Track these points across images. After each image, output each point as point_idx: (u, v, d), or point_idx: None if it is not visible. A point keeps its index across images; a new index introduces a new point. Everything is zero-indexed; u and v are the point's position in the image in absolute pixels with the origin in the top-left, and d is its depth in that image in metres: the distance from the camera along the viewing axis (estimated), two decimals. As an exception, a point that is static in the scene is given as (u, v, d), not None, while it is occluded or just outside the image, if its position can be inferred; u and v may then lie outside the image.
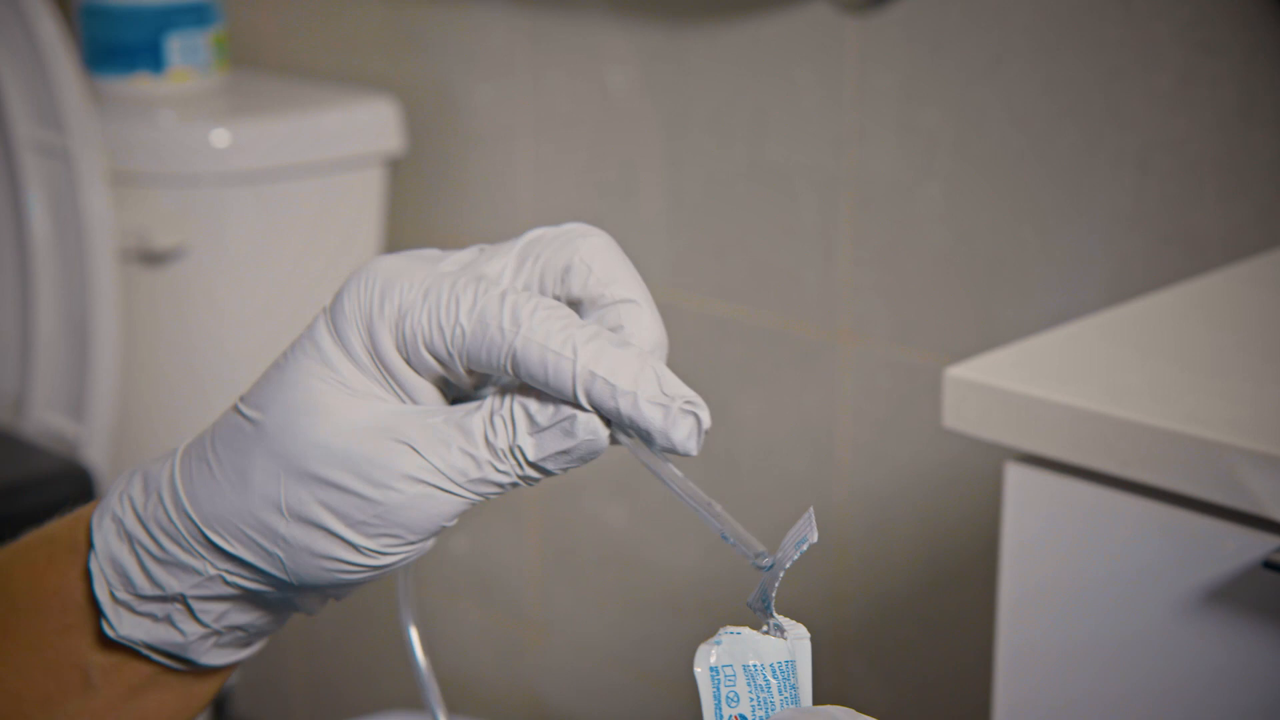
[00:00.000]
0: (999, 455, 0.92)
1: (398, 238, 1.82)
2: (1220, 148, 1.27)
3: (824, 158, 1.49)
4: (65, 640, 0.55)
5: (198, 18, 1.74)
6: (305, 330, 0.54)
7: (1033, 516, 0.90)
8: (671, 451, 0.51)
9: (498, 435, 0.52)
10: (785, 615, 0.51)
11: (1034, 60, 1.35)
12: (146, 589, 0.54)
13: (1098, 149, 1.33)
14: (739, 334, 1.58)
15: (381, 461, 0.51)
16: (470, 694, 1.88)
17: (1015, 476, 0.90)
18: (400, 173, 1.80)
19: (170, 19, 1.72)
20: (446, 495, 0.52)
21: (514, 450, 0.52)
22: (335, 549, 0.52)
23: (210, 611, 0.54)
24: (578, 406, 0.51)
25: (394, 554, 0.52)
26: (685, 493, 0.52)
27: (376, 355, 0.53)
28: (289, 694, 2.07)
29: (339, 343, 0.54)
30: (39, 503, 1.57)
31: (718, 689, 0.50)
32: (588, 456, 0.53)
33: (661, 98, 1.59)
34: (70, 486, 1.58)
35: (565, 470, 0.53)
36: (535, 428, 0.52)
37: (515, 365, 0.51)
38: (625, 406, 0.51)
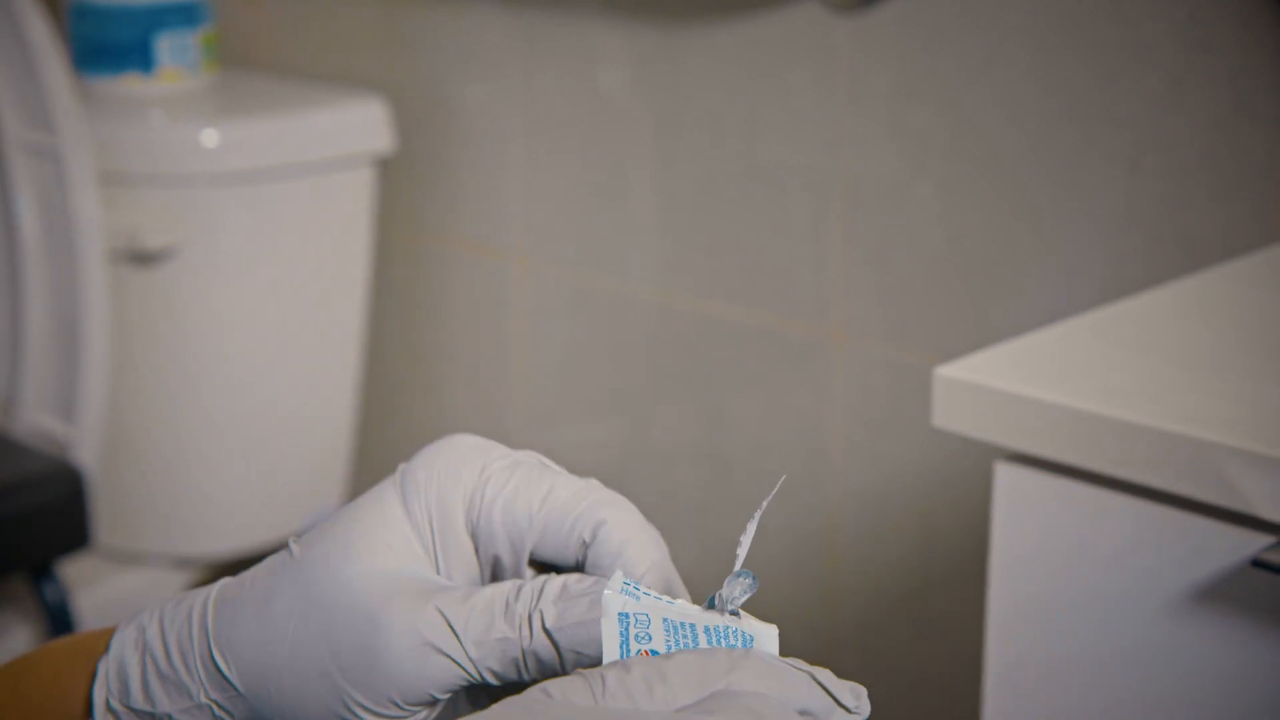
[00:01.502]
0: (990, 454, 0.92)
1: (388, 237, 1.82)
2: (1213, 147, 1.27)
3: (816, 158, 1.48)
4: None
5: (187, 18, 1.73)
6: (373, 488, 0.54)
7: (1022, 516, 0.90)
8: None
9: (520, 600, 0.50)
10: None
11: (1027, 60, 1.34)
12: (138, 701, 0.53)
13: (1091, 149, 1.33)
14: (732, 334, 1.58)
15: (394, 609, 0.51)
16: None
17: (1005, 476, 0.90)
18: (391, 173, 1.79)
19: (159, 19, 1.71)
20: (447, 660, 0.50)
21: (532, 617, 0.50)
22: (325, 694, 0.51)
23: None
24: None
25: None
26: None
27: (438, 519, 0.53)
28: None
29: (403, 503, 0.54)
30: (29, 503, 1.57)
31: (625, 629, 0.47)
32: (588, 636, 0.50)
33: (654, 98, 1.58)
34: (60, 487, 1.57)
35: (559, 659, 0.50)
36: (566, 594, 0.50)
37: (596, 534, 0.51)
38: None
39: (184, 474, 1.75)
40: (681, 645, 0.47)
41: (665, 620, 0.47)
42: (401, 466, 0.54)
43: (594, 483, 0.53)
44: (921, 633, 1.52)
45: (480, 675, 0.50)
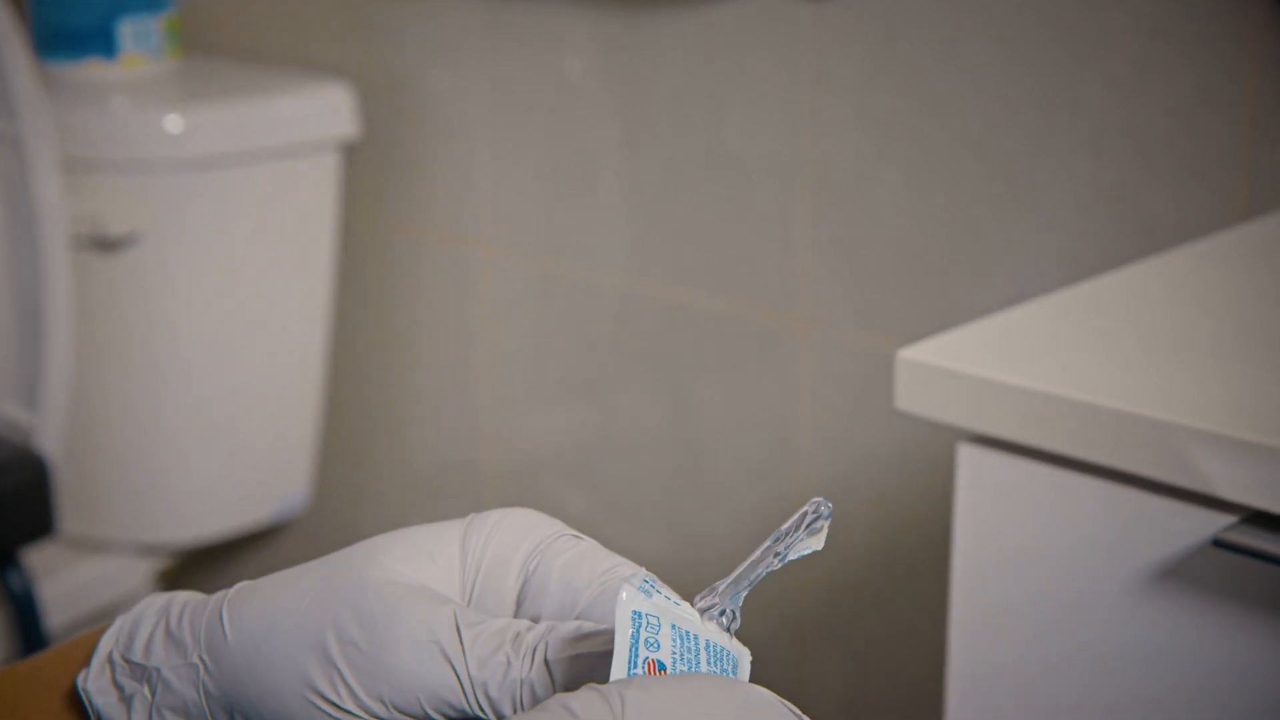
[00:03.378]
0: (954, 437, 0.92)
1: (353, 224, 1.81)
2: (1175, 132, 1.27)
3: (782, 144, 1.48)
4: None
5: (149, 3, 1.72)
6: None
7: (985, 497, 0.91)
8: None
9: (532, 633, 0.49)
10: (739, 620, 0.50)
11: (990, 46, 1.35)
12: (138, 654, 0.53)
13: (1054, 134, 1.33)
14: (697, 320, 1.58)
15: (414, 603, 0.50)
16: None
17: (967, 457, 0.91)
18: (356, 159, 1.79)
19: (122, 4, 1.70)
20: (447, 667, 0.49)
21: (537, 649, 0.49)
22: (312, 670, 0.50)
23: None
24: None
25: None
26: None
27: (492, 560, 0.52)
28: None
29: (463, 536, 0.53)
30: (-8, 492, 1.56)
31: (637, 631, 0.46)
32: (588, 675, 0.49)
33: (619, 85, 1.58)
34: (24, 475, 1.56)
35: (547, 693, 0.49)
36: (578, 634, 0.49)
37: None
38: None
39: (148, 461, 1.74)
40: (686, 660, 0.47)
41: (674, 628, 0.47)
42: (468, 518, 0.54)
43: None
44: (887, 615, 1.52)
45: (474, 696, 0.49)
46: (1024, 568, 0.90)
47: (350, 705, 0.49)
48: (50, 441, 1.62)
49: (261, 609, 0.51)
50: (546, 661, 0.48)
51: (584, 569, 0.51)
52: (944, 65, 1.37)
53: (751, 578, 0.49)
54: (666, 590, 0.48)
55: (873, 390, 1.47)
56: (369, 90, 1.76)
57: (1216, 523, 0.82)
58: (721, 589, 0.49)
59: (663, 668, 0.46)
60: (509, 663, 0.49)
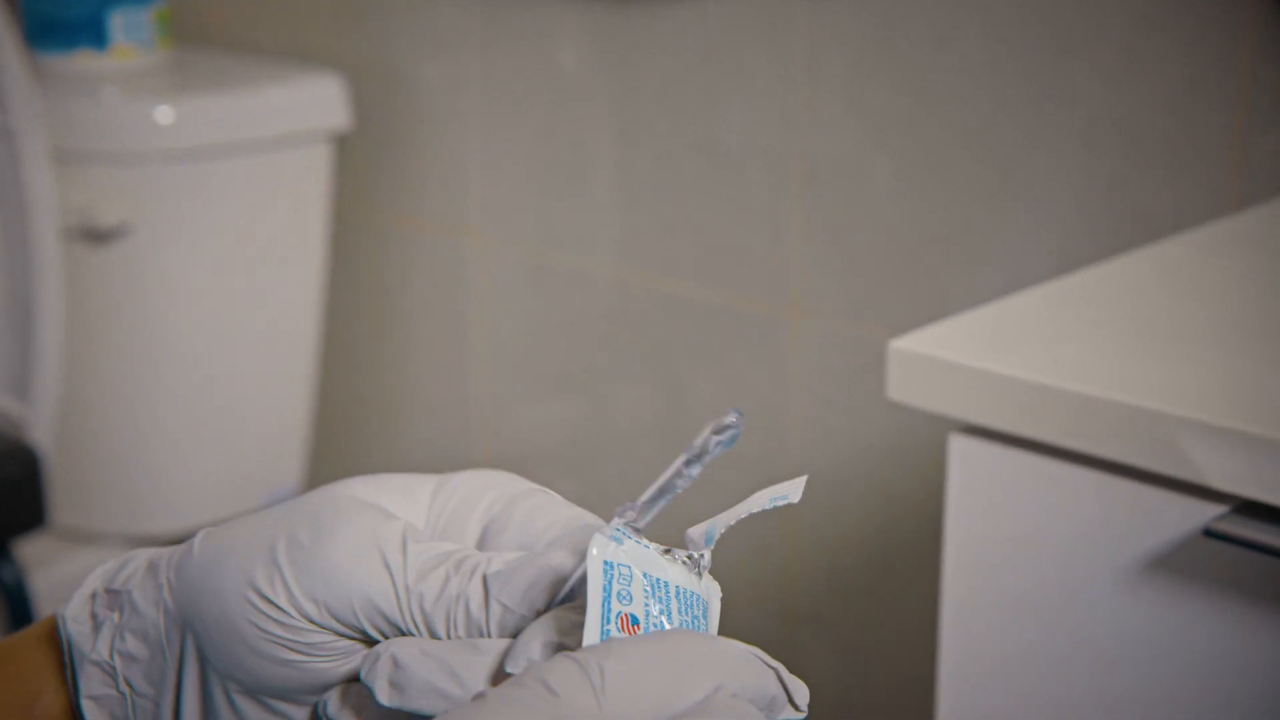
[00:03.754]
0: (946, 427, 0.92)
1: (345, 215, 1.81)
2: (1166, 122, 1.27)
3: (774, 135, 1.48)
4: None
5: (141, -7, 1.72)
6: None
7: (977, 487, 0.91)
8: None
9: (474, 557, 0.48)
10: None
11: (982, 37, 1.35)
12: (119, 582, 0.52)
13: (1045, 124, 1.33)
14: (689, 311, 1.58)
15: (364, 513, 0.49)
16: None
17: (959, 447, 0.91)
18: (347, 150, 1.79)
19: (113, -5, 1.70)
20: (384, 572, 0.48)
21: (477, 568, 0.48)
22: (255, 569, 0.49)
23: (126, 652, 0.52)
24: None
25: (307, 640, 0.49)
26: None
27: (457, 504, 0.52)
28: None
29: (435, 486, 0.52)
30: (-17, 484, 1.55)
31: (610, 583, 0.46)
32: (520, 624, 0.48)
33: (611, 76, 1.58)
34: (15, 467, 1.56)
35: (485, 609, 0.48)
36: (519, 558, 0.48)
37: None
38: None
39: (140, 453, 1.74)
40: (659, 609, 0.47)
41: (645, 576, 0.47)
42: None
43: None
44: (879, 605, 1.53)
45: (408, 606, 0.48)
46: (1015, 557, 0.90)
47: (284, 602, 0.48)
48: (41, 433, 1.62)
49: (231, 528, 0.51)
50: (485, 579, 0.48)
51: (545, 515, 0.51)
52: (936, 57, 1.37)
53: (670, 492, 0.49)
54: (636, 536, 0.48)
55: (864, 381, 1.47)
56: (360, 81, 1.75)
57: (1207, 512, 0.82)
58: (639, 504, 0.49)
59: (635, 621, 0.46)
60: (448, 578, 0.48)
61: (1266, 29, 1.22)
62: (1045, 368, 0.87)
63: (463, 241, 1.73)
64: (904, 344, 0.91)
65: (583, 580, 0.47)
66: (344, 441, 1.89)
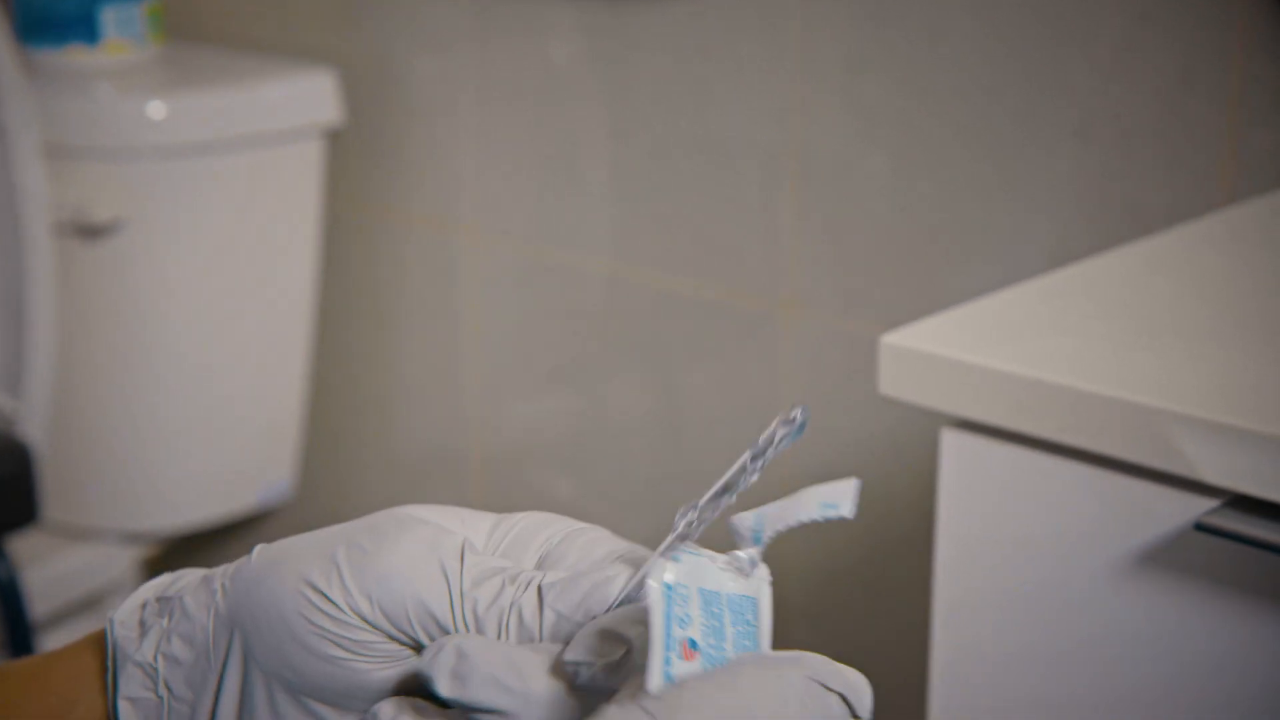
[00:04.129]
0: (938, 422, 0.92)
1: (338, 210, 1.81)
2: (1159, 116, 1.27)
3: (767, 130, 1.48)
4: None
5: (132, -11, 1.71)
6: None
7: (969, 482, 0.91)
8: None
9: (530, 571, 0.49)
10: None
11: (975, 30, 1.35)
12: (171, 591, 0.53)
13: (1039, 118, 1.33)
14: (683, 306, 1.58)
15: (423, 524, 0.50)
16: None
17: (951, 442, 0.90)
18: (340, 145, 1.78)
19: (104, -10, 1.70)
20: (441, 577, 0.48)
21: (533, 581, 0.48)
22: (316, 573, 0.49)
23: (170, 655, 0.53)
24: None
25: (355, 638, 0.49)
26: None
27: (514, 539, 0.52)
28: None
29: (493, 522, 0.53)
30: (-24, 480, 1.55)
31: (670, 608, 0.46)
32: (574, 632, 0.49)
33: (605, 70, 1.58)
34: (8, 463, 1.56)
35: (540, 618, 0.48)
36: (573, 574, 0.49)
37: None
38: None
39: (133, 449, 1.74)
40: (714, 630, 0.47)
41: (700, 593, 0.47)
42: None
43: None
44: (871, 600, 1.53)
45: (460, 611, 0.48)
46: (1007, 552, 0.90)
47: (338, 597, 0.49)
48: (34, 429, 1.62)
49: (291, 539, 0.52)
50: (540, 588, 0.48)
51: (603, 546, 0.51)
52: (929, 51, 1.37)
53: (733, 490, 0.49)
54: (692, 547, 0.48)
55: (858, 375, 1.47)
56: (353, 76, 1.75)
57: (1198, 507, 0.82)
58: (701, 503, 0.49)
59: (694, 646, 0.46)
60: (502, 587, 0.49)
61: (1258, 23, 1.22)
62: (1037, 362, 0.87)
63: (456, 237, 1.73)
64: (896, 339, 0.91)
65: (638, 588, 0.48)
66: (338, 437, 1.89)
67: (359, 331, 1.85)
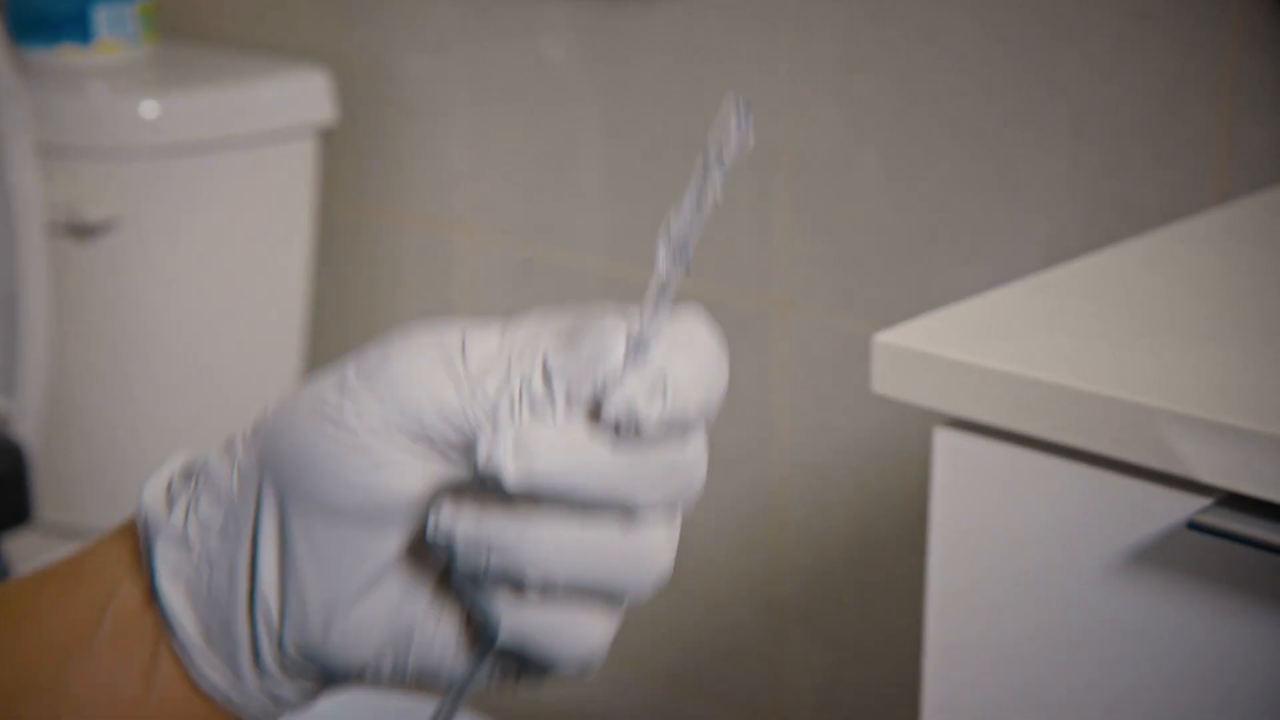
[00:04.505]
0: (931, 421, 0.92)
1: (332, 209, 1.81)
2: (1154, 114, 1.27)
3: (761, 127, 1.48)
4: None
5: (125, -13, 1.71)
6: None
7: (962, 481, 0.91)
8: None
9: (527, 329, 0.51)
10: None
11: (970, 28, 1.34)
12: (191, 465, 0.54)
13: (1033, 116, 1.33)
14: (677, 304, 1.58)
15: (420, 330, 0.51)
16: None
17: (944, 441, 0.90)
18: (333, 144, 1.78)
19: (97, -12, 1.70)
20: (446, 380, 0.49)
21: (539, 337, 0.50)
22: (329, 389, 0.50)
23: (200, 521, 0.53)
24: None
25: (374, 445, 0.49)
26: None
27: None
28: None
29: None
30: (-31, 480, 1.55)
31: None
32: (593, 390, 0.51)
33: (599, 68, 1.58)
34: (1, 462, 1.56)
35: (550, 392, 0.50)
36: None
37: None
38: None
39: (127, 448, 1.74)
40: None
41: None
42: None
43: None
44: (865, 598, 1.53)
45: (470, 397, 0.49)
46: (1000, 551, 0.90)
47: (350, 413, 0.49)
48: (28, 428, 1.62)
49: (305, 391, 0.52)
50: (545, 357, 0.49)
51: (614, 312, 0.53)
52: (924, 48, 1.37)
53: (705, 200, 0.50)
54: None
55: (851, 373, 1.47)
56: (347, 75, 1.75)
57: (1191, 505, 0.82)
58: (674, 231, 0.51)
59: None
60: (510, 366, 0.49)
61: (1253, 21, 1.22)
62: (1031, 361, 0.87)
63: (450, 236, 1.73)
64: (889, 337, 0.91)
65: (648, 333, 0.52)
66: (332, 436, 1.89)
67: (354, 331, 1.85)
